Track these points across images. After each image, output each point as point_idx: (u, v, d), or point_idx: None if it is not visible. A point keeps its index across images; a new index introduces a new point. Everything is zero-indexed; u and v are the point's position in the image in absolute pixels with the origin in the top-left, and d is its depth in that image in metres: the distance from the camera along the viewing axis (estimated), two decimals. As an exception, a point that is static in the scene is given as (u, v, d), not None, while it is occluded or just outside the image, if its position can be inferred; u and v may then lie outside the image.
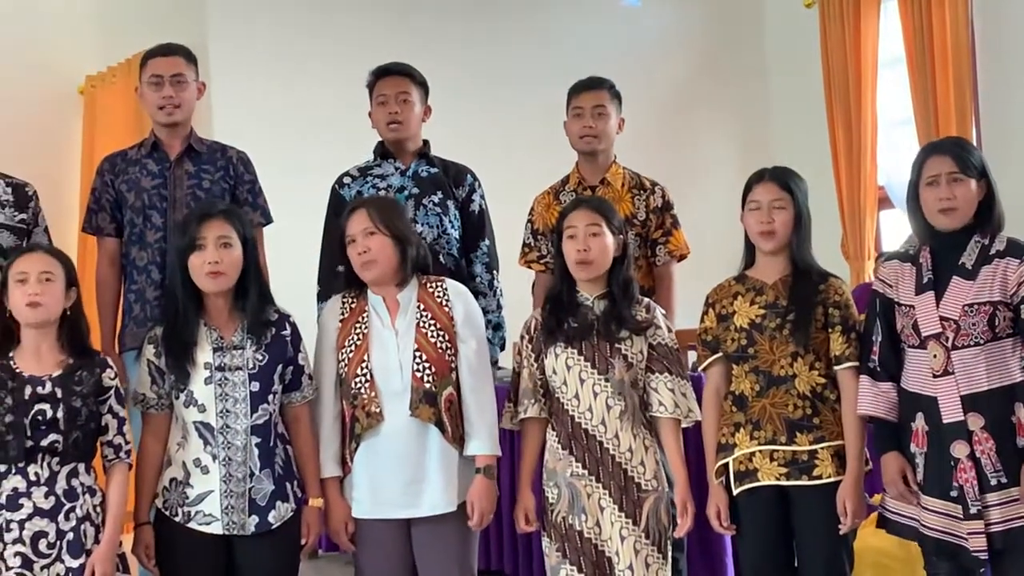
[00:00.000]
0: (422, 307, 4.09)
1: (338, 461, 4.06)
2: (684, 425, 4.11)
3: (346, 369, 4.05)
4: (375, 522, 4.03)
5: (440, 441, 3.98)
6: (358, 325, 4.08)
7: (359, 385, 4.01)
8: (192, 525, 3.88)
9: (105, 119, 7.62)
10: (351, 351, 4.05)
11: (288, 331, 4.04)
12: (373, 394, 3.98)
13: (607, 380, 4.00)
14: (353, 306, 4.13)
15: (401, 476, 3.97)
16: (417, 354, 4.01)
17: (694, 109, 8.90)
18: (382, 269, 4.06)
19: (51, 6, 7.77)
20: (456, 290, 4.19)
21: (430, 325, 4.05)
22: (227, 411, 3.90)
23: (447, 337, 4.06)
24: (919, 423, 3.79)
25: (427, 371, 3.99)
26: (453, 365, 4.06)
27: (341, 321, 4.12)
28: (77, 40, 7.89)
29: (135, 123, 6.98)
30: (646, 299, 4.21)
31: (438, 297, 4.11)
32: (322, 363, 4.13)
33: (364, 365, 4.02)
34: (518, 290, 5.00)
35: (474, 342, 4.12)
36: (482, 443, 4.04)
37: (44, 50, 7.70)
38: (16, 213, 4.61)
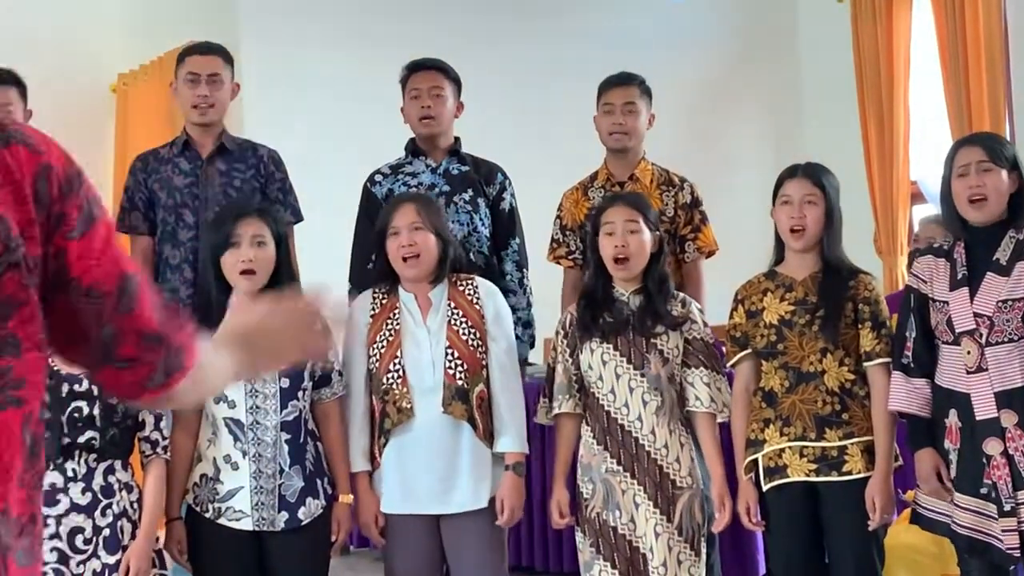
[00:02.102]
0: (453, 305, 4.10)
1: (367, 456, 4.07)
2: (720, 420, 4.10)
3: (377, 364, 4.06)
4: (405, 517, 4.03)
5: (472, 438, 4.00)
6: (389, 321, 4.08)
7: (391, 381, 4.02)
8: (223, 521, 3.90)
9: (137, 117, 7.65)
10: (383, 347, 4.06)
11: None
12: (405, 390, 3.99)
13: (643, 375, 3.99)
14: (384, 302, 4.14)
15: (433, 472, 3.98)
16: (449, 351, 4.03)
17: (726, 105, 8.88)
18: (425, 265, 4.08)
19: (84, 5, 7.81)
20: (487, 289, 4.20)
21: (461, 323, 4.07)
22: (257, 407, 3.91)
23: (478, 335, 4.07)
24: (952, 420, 3.77)
25: (459, 368, 4.01)
26: (484, 363, 4.07)
27: (372, 316, 4.13)
28: (110, 38, 7.92)
29: (167, 121, 7.00)
30: (681, 294, 4.21)
31: (469, 295, 4.12)
32: (352, 358, 4.13)
33: (396, 361, 4.03)
34: (548, 287, 4.99)
35: (504, 340, 4.14)
36: (512, 440, 4.05)
37: (77, 49, 7.74)
38: None
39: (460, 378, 4.00)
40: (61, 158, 1.62)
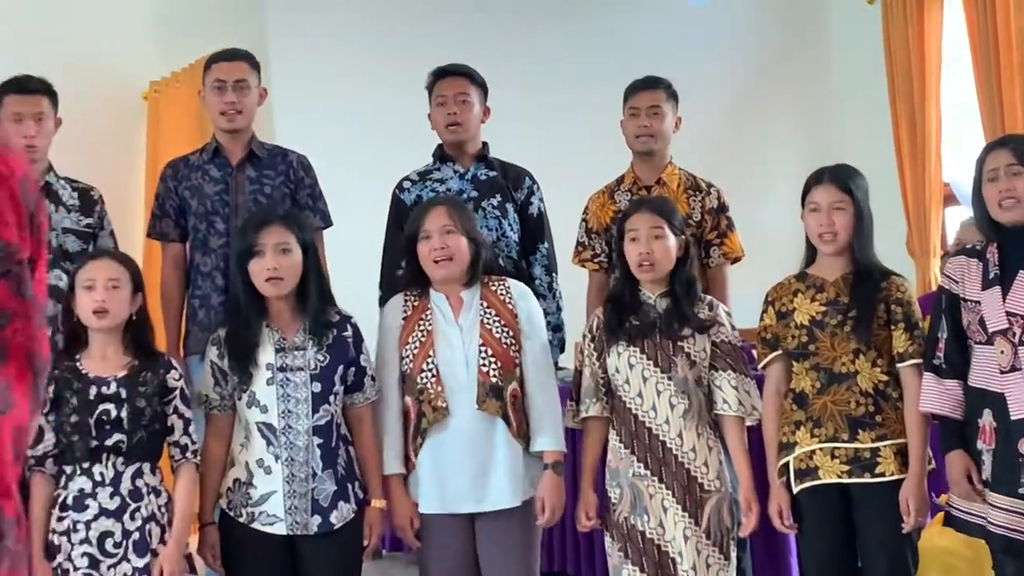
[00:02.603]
0: (485, 304, 4.11)
1: (402, 458, 4.07)
2: (749, 423, 4.10)
3: (411, 365, 4.07)
4: (440, 517, 4.04)
5: (506, 435, 4.00)
6: (421, 322, 4.10)
7: (425, 380, 4.03)
8: (256, 525, 3.91)
9: (169, 124, 7.67)
10: (415, 347, 4.07)
11: (350, 332, 4.06)
12: (439, 388, 4.00)
13: (670, 379, 3.99)
14: (416, 304, 4.15)
15: (468, 470, 3.99)
16: (482, 349, 4.03)
17: (757, 108, 8.85)
18: (457, 267, 4.09)
19: (115, 14, 7.84)
20: (519, 289, 4.21)
21: (494, 321, 4.08)
22: (289, 412, 3.92)
23: (511, 333, 4.08)
24: (987, 420, 3.75)
25: (493, 365, 4.01)
26: (517, 361, 4.08)
27: (404, 319, 4.14)
28: (140, 47, 7.95)
29: (198, 128, 7.03)
30: (708, 297, 4.21)
31: (501, 295, 4.14)
32: (385, 361, 4.14)
33: (429, 360, 4.04)
34: (576, 291, 4.99)
35: (537, 339, 4.16)
36: (549, 439, 4.05)
37: (108, 57, 7.77)
38: (82, 217, 4.68)
39: (494, 375, 4.01)
40: (26, 167, 1.62)
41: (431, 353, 4.05)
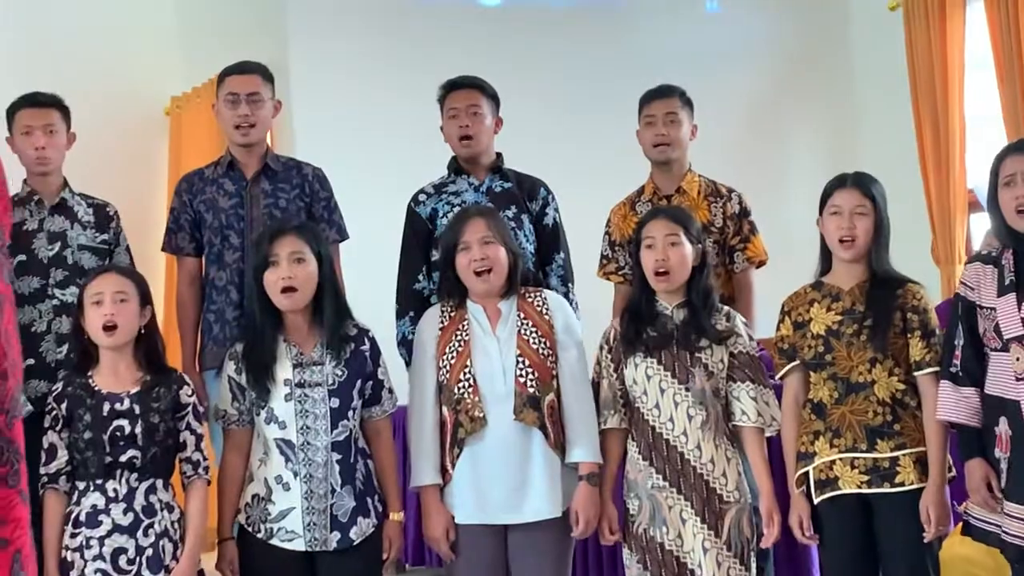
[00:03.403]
0: (522, 315, 4.10)
1: (437, 469, 4.05)
2: (768, 434, 4.08)
3: (448, 375, 4.06)
4: (474, 529, 4.02)
5: (544, 446, 3.99)
6: (458, 332, 4.09)
7: (462, 390, 4.01)
8: (274, 541, 3.91)
9: (190, 139, 7.71)
10: (452, 357, 4.06)
11: (367, 346, 4.06)
12: (476, 398, 3.99)
13: (688, 390, 3.97)
14: (452, 315, 4.14)
15: (506, 481, 3.97)
16: (520, 359, 4.02)
17: (779, 115, 8.84)
18: (497, 279, 4.09)
19: (136, 30, 7.89)
20: (556, 301, 4.21)
21: (531, 332, 4.07)
22: (307, 428, 3.92)
23: (548, 344, 4.07)
24: (1003, 427, 3.71)
25: (530, 376, 4.00)
26: (554, 372, 4.07)
27: (440, 330, 4.13)
28: (162, 62, 8.00)
29: (219, 143, 7.01)
30: (726, 307, 4.19)
31: (538, 307, 4.13)
32: (422, 372, 4.14)
33: (467, 370, 4.03)
34: (593, 302, 4.97)
35: (574, 350, 4.13)
36: (585, 450, 4.03)
37: (130, 73, 7.82)
38: (98, 234, 4.69)
39: (531, 386, 3.99)
40: None
41: (468, 363, 4.04)
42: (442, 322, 4.15)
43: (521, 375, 4.00)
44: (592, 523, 4.03)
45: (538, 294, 4.19)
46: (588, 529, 4.03)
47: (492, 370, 4.02)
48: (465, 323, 4.10)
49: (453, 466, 4.03)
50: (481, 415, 3.98)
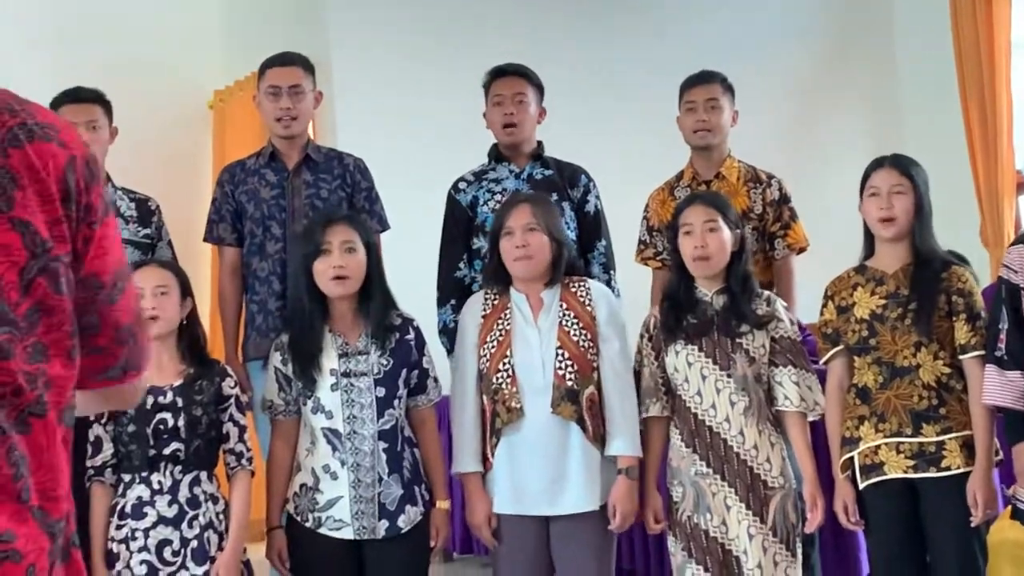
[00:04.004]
0: (565, 306, 4.08)
1: (478, 457, 4.05)
2: (811, 418, 4.06)
3: (488, 364, 4.05)
4: (515, 518, 4.02)
5: (581, 439, 3.97)
6: (500, 321, 4.08)
7: (500, 380, 4.01)
8: (323, 531, 3.92)
9: (234, 132, 7.73)
10: (493, 347, 4.05)
11: (412, 335, 4.06)
12: (514, 390, 3.98)
13: (729, 376, 3.96)
14: (495, 302, 4.13)
15: (543, 473, 3.96)
16: (560, 352, 4.00)
17: (822, 99, 8.78)
18: (537, 266, 4.07)
19: (179, 24, 7.93)
20: (599, 291, 4.18)
21: (573, 324, 4.05)
22: (354, 417, 3.93)
23: (589, 336, 4.04)
24: (1048, 411, 3.69)
25: (569, 369, 3.98)
26: (595, 365, 4.04)
27: (483, 317, 4.13)
28: (205, 56, 8.04)
29: (262, 135, 7.01)
30: (766, 292, 4.17)
31: (581, 297, 4.10)
32: (463, 359, 4.14)
33: (506, 361, 4.02)
34: (636, 289, 4.96)
35: (617, 342, 4.10)
36: (625, 443, 4.01)
37: (174, 67, 7.86)
38: (140, 228, 4.71)
39: (570, 379, 3.98)
40: (82, 147, 1.62)
41: (508, 353, 4.03)
42: (485, 310, 4.14)
43: (560, 368, 3.99)
44: (629, 517, 4.02)
45: (582, 284, 4.16)
46: (625, 523, 4.02)
47: (531, 361, 4.01)
48: (507, 312, 4.10)
49: (492, 455, 4.03)
50: (518, 406, 3.97)
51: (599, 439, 4.00)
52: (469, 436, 4.07)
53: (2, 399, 1.47)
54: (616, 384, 4.05)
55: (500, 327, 4.07)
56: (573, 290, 4.12)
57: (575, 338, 4.03)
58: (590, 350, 4.03)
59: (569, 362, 3.99)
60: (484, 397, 4.07)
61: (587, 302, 4.10)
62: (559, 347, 4.01)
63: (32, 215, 1.51)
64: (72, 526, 1.58)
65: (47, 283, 1.52)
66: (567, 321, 4.05)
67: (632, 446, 4.02)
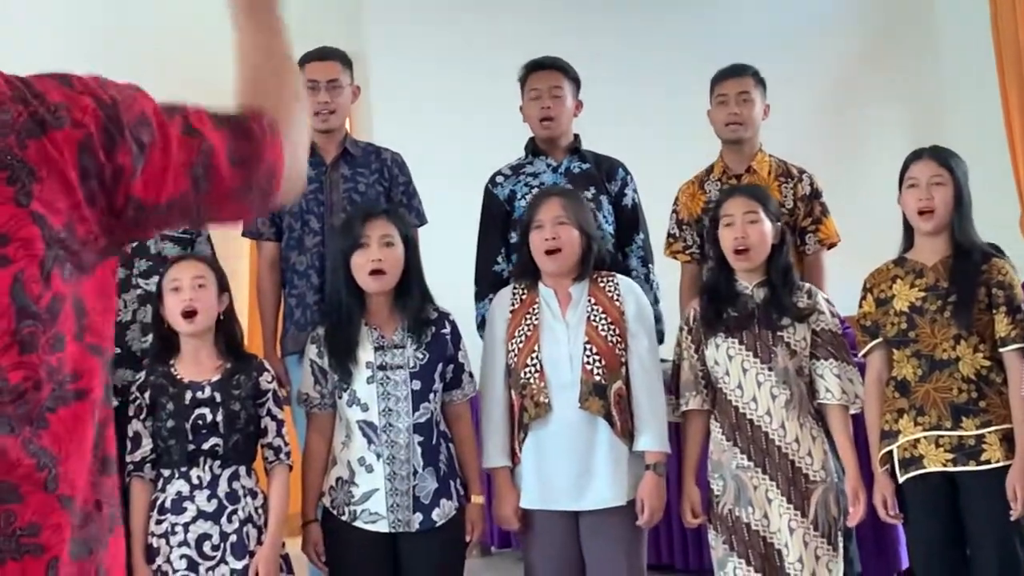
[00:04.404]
0: (593, 301, 4.07)
1: (507, 452, 4.06)
2: (853, 411, 4.04)
3: (516, 359, 4.05)
4: (544, 514, 4.02)
5: (609, 435, 3.96)
6: (528, 316, 4.08)
7: (528, 375, 4.01)
8: (358, 523, 3.92)
9: (273, 128, 7.74)
10: (521, 341, 4.06)
11: (448, 329, 4.06)
12: (542, 384, 3.98)
13: (770, 369, 3.95)
14: (523, 297, 4.14)
15: (570, 468, 3.96)
16: (587, 347, 4.00)
17: (862, 91, 8.74)
18: (567, 259, 4.06)
19: (217, 18, 7.94)
20: (628, 286, 4.17)
21: (601, 319, 4.04)
22: (389, 410, 3.93)
23: (618, 331, 4.04)
24: (1088, 403, 3.66)
25: (597, 364, 3.98)
26: (623, 360, 4.04)
27: (511, 312, 4.13)
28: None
29: (301, 130, 7.10)
30: (807, 284, 4.16)
31: (609, 292, 4.10)
32: (492, 354, 4.14)
33: (534, 356, 4.02)
34: (674, 282, 4.95)
35: (645, 338, 4.10)
36: (652, 439, 4.01)
37: (210, 62, 7.87)
38: None
39: (598, 374, 3.98)
40: (95, 111, 1.60)
41: (536, 348, 4.03)
42: (513, 304, 4.15)
43: (588, 363, 3.98)
44: (658, 513, 4.01)
45: (610, 279, 4.15)
46: (653, 519, 4.01)
47: (559, 356, 4.01)
48: (536, 306, 4.10)
49: (520, 450, 4.04)
50: (546, 401, 3.98)
51: (627, 434, 4.00)
52: (497, 431, 4.08)
53: (24, 394, 1.48)
54: (644, 380, 4.05)
55: (528, 322, 4.07)
56: (601, 285, 4.11)
57: (603, 333, 4.02)
58: (618, 345, 4.03)
59: (597, 357, 3.99)
60: (512, 392, 4.08)
61: (615, 297, 4.09)
62: (587, 342, 4.01)
63: (48, 207, 1.52)
64: (105, 512, 1.58)
65: (60, 272, 1.53)
66: (595, 316, 4.05)
67: (660, 442, 4.02)
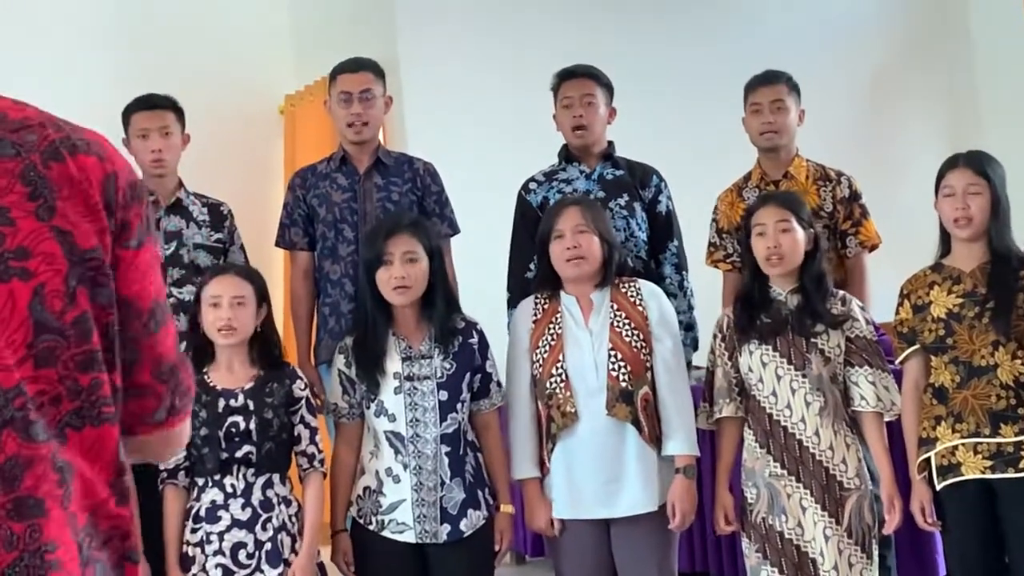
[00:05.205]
0: (615, 307, 4.07)
1: (535, 462, 4.06)
2: (888, 419, 4.02)
3: (541, 369, 4.05)
4: (574, 522, 4.02)
5: (637, 440, 3.96)
6: (551, 326, 4.08)
7: (554, 385, 4.01)
8: (386, 533, 3.93)
9: (305, 137, 7.76)
10: (545, 351, 4.05)
11: (475, 339, 4.06)
12: (568, 394, 3.98)
13: (804, 376, 3.93)
14: (546, 307, 4.13)
15: (599, 475, 3.96)
16: (612, 353, 3.99)
17: (896, 96, 8.66)
18: (589, 267, 4.06)
19: (249, 29, 7.98)
20: (649, 290, 4.17)
21: (624, 324, 4.03)
22: (416, 420, 3.94)
23: (642, 336, 4.03)
24: None
25: (623, 370, 3.97)
26: (648, 364, 4.03)
27: (534, 322, 4.13)
28: (275, 61, 8.08)
29: (333, 140, 7.04)
30: (841, 292, 4.14)
31: (631, 297, 4.09)
32: (516, 365, 4.14)
33: (559, 365, 4.02)
34: (707, 289, 4.93)
35: (669, 341, 4.09)
36: (681, 443, 4.00)
37: (244, 73, 7.90)
38: (212, 233, 4.75)
39: (624, 380, 3.97)
40: (126, 168, 1.62)
41: (560, 358, 4.03)
42: (535, 314, 4.14)
43: (613, 369, 3.98)
44: (689, 516, 4.01)
45: (632, 284, 4.15)
46: (684, 522, 4.00)
47: (584, 364, 4.01)
48: (558, 315, 4.09)
49: (549, 460, 4.03)
50: (573, 410, 3.97)
51: (655, 439, 3.99)
52: (525, 441, 4.08)
53: (40, 407, 1.47)
54: (670, 383, 4.05)
55: (551, 331, 4.07)
56: (623, 291, 4.11)
57: (627, 339, 4.02)
58: (643, 350, 4.03)
59: (622, 363, 3.98)
60: (538, 402, 4.08)
61: (638, 302, 4.09)
62: (611, 348, 4.00)
63: (73, 226, 1.52)
64: (116, 544, 1.57)
65: (88, 293, 1.52)
66: (618, 322, 4.04)
67: (688, 445, 4.01)
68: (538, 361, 4.07)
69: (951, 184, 3.94)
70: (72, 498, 1.49)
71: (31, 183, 1.50)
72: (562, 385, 4.00)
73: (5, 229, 1.47)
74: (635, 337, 4.03)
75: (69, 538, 1.48)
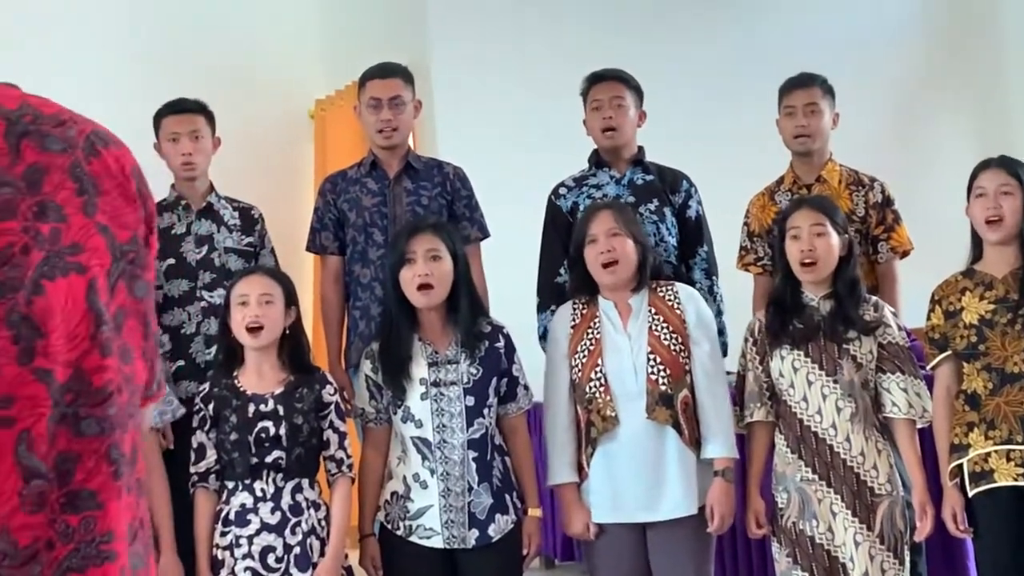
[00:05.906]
0: (653, 311, 4.06)
1: (574, 467, 4.05)
2: (920, 425, 4.00)
3: (580, 374, 4.05)
4: (611, 526, 4.01)
5: (678, 443, 3.95)
6: (590, 331, 4.07)
7: (593, 390, 4.00)
8: (414, 539, 3.93)
9: (335, 142, 7.77)
10: (584, 356, 4.05)
11: (502, 343, 4.05)
12: (608, 398, 3.97)
13: (836, 382, 3.91)
14: (584, 312, 4.13)
15: (640, 480, 3.95)
16: (651, 357, 3.99)
17: (926, 102, 8.63)
18: (625, 271, 4.06)
19: (280, 34, 8.00)
20: (687, 293, 4.16)
21: (663, 328, 4.03)
22: (443, 426, 3.93)
23: (680, 339, 4.03)
24: None
25: (662, 373, 3.97)
26: (687, 368, 4.03)
27: (572, 328, 4.12)
28: (306, 66, 8.10)
29: (364, 144, 7.05)
30: (874, 298, 4.13)
31: (669, 300, 4.08)
32: (555, 370, 4.13)
33: (598, 369, 4.01)
34: (737, 294, 4.92)
35: (707, 344, 4.08)
36: (720, 446, 3.99)
37: (275, 78, 7.93)
38: (243, 236, 4.77)
39: (663, 383, 3.96)
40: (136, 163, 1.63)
41: (599, 362, 4.02)
42: (574, 320, 4.13)
43: (653, 372, 3.97)
44: (728, 519, 4.00)
45: (669, 287, 4.14)
46: (723, 525, 4.00)
47: (623, 368, 4.00)
48: (596, 320, 4.08)
49: (588, 464, 4.02)
50: (613, 414, 3.96)
51: (694, 442, 3.98)
52: (563, 447, 4.06)
53: (109, 398, 1.49)
54: (708, 386, 4.04)
55: (590, 336, 4.06)
56: (661, 294, 4.10)
57: (666, 342, 4.01)
58: (681, 353, 4.02)
59: (661, 367, 3.97)
60: (578, 407, 4.07)
61: (675, 305, 4.08)
62: (650, 352, 3.99)
63: (113, 220, 1.54)
64: (147, 533, 1.59)
65: (126, 287, 1.54)
66: (657, 325, 4.03)
67: (728, 447, 4.00)
68: (577, 366, 4.06)
69: (983, 185, 3.93)
70: (131, 487, 1.51)
71: (78, 179, 1.52)
72: (601, 390, 3.99)
73: (60, 225, 1.48)
74: (673, 340, 4.02)
75: (124, 530, 1.50)
